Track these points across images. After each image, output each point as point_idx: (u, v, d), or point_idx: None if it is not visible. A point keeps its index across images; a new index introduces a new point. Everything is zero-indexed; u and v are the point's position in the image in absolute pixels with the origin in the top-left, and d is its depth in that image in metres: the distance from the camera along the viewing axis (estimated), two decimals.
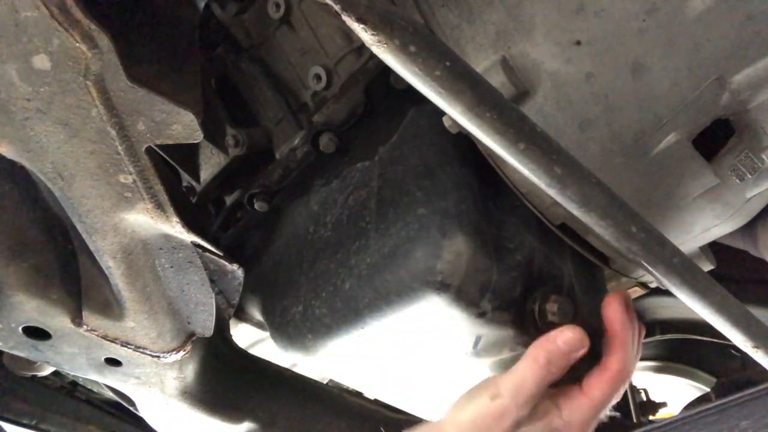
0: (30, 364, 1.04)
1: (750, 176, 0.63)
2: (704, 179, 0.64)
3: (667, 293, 0.64)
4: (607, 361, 0.67)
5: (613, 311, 0.68)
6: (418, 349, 0.76)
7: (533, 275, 0.70)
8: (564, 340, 0.64)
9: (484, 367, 0.77)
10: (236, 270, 0.77)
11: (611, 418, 1.73)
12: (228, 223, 1.01)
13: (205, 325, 0.78)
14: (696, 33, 0.56)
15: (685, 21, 0.56)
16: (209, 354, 0.92)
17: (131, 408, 1.01)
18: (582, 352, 0.64)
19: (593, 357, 0.68)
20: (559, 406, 0.66)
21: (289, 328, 0.79)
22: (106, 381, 0.84)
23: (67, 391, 1.30)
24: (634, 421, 1.72)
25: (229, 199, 0.99)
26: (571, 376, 0.68)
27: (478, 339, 0.71)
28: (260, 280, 0.89)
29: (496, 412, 0.63)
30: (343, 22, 0.43)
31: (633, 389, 1.79)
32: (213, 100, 0.90)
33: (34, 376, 1.14)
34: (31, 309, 0.69)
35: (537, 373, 0.63)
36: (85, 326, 0.71)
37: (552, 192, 0.53)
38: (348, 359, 0.79)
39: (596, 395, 0.65)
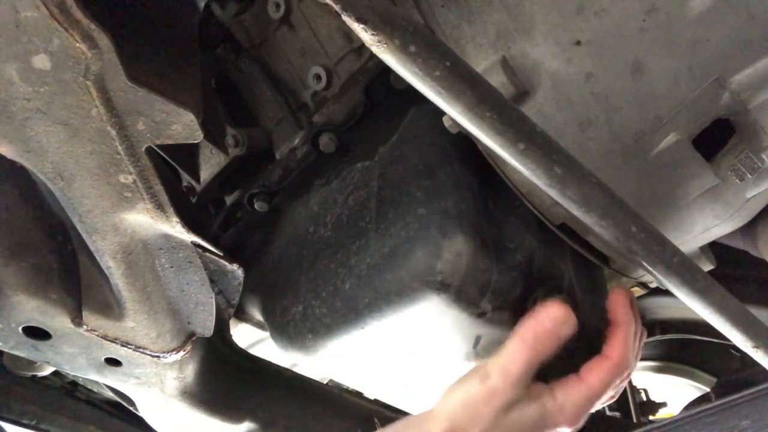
0: (30, 364, 1.04)
1: (750, 176, 0.63)
2: (704, 179, 0.64)
3: (667, 293, 0.64)
4: (606, 350, 0.67)
5: (618, 303, 0.69)
6: (418, 349, 0.76)
7: (533, 275, 0.70)
8: (549, 317, 0.64)
9: None
10: (236, 270, 0.77)
11: (611, 418, 1.74)
12: (228, 223, 1.01)
13: (205, 325, 0.78)
14: (696, 33, 0.56)
15: (685, 21, 0.56)
16: (209, 354, 0.92)
17: (131, 408, 1.01)
18: (568, 329, 0.64)
19: (593, 354, 0.68)
20: (553, 389, 0.65)
21: (289, 328, 0.79)
22: (106, 381, 0.84)
23: (67, 391, 1.30)
24: (634, 421, 1.72)
25: (229, 199, 0.99)
26: (569, 371, 0.67)
27: (478, 339, 0.71)
28: (260, 280, 0.89)
29: (485, 393, 0.62)
30: (343, 22, 0.43)
31: (633, 389, 1.80)
32: (213, 100, 0.90)
33: (34, 376, 1.14)
34: (31, 309, 0.69)
35: (525, 353, 0.63)
36: (85, 326, 0.71)
37: (552, 192, 0.53)
38: (348, 359, 0.79)
39: (592, 381, 0.65)
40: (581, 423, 0.67)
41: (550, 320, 0.64)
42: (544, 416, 0.64)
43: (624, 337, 0.67)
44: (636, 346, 0.71)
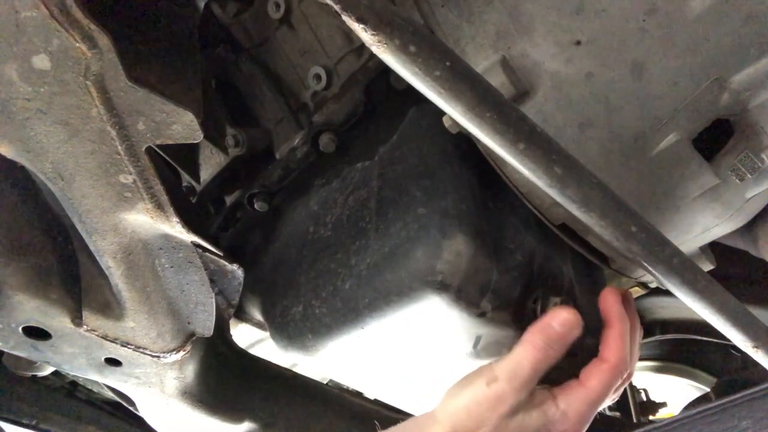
0: (30, 364, 1.04)
1: (750, 176, 0.63)
2: (704, 179, 0.64)
3: (667, 293, 0.64)
4: (603, 353, 0.66)
5: (609, 304, 0.68)
6: (418, 349, 0.76)
7: (533, 275, 0.70)
8: (559, 321, 0.63)
9: None
10: (236, 270, 0.77)
11: (611, 418, 1.74)
12: (228, 223, 1.01)
13: (205, 325, 0.78)
14: (696, 33, 0.56)
15: (685, 21, 0.56)
16: (209, 354, 0.92)
17: (131, 408, 1.01)
18: (577, 333, 0.64)
19: (592, 355, 0.68)
20: (556, 395, 0.65)
21: (289, 328, 0.79)
22: (106, 381, 0.84)
23: (67, 391, 1.30)
24: (634, 421, 1.73)
25: (229, 199, 0.99)
26: (570, 374, 0.67)
27: (478, 339, 0.71)
28: (260, 280, 0.89)
29: (492, 396, 0.62)
30: (343, 22, 0.43)
31: (633, 389, 1.80)
32: (213, 100, 0.90)
33: (34, 376, 1.14)
34: (31, 309, 0.69)
35: (533, 357, 0.62)
36: (85, 326, 0.71)
37: (552, 192, 0.53)
38: (348, 359, 0.79)
39: (593, 385, 0.65)
40: (584, 428, 0.66)
41: (559, 324, 0.63)
42: (547, 423, 0.63)
43: (618, 337, 0.66)
44: (633, 344, 0.70)
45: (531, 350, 0.63)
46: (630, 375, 0.69)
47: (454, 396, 0.65)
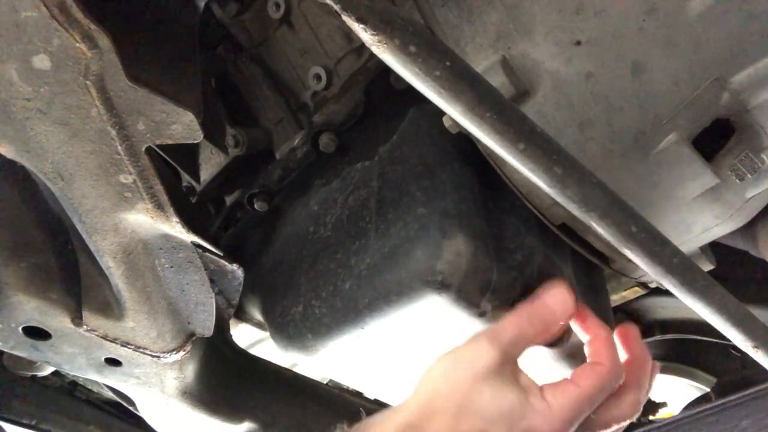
0: (30, 364, 1.04)
1: (750, 176, 0.63)
2: (704, 179, 0.64)
3: (667, 293, 0.64)
4: (597, 358, 0.65)
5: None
6: (418, 349, 0.76)
7: (533, 275, 0.70)
8: (548, 293, 0.64)
9: None
10: (236, 270, 0.77)
11: None
12: (228, 223, 1.01)
13: (205, 325, 0.78)
14: (696, 33, 0.56)
15: (685, 21, 0.56)
16: (209, 354, 0.92)
17: (131, 408, 1.01)
18: (567, 312, 0.64)
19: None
20: (543, 388, 0.62)
21: (289, 328, 0.79)
22: (106, 381, 0.84)
23: (67, 391, 1.30)
24: (634, 421, 1.72)
25: (229, 199, 0.99)
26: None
27: None
28: (260, 280, 0.89)
29: (470, 351, 0.61)
30: (343, 22, 0.43)
31: None
32: (213, 100, 0.90)
33: (34, 376, 1.14)
34: (31, 309, 0.69)
35: (517, 322, 0.62)
36: (85, 326, 0.71)
37: (552, 192, 0.53)
38: (348, 359, 0.79)
39: (583, 384, 0.61)
40: (569, 430, 0.61)
41: (548, 296, 0.64)
42: (524, 409, 0.59)
43: (606, 342, 0.66)
44: (646, 376, 0.69)
45: (515, 317, 0.63)
46: (638, 408, 0.68)
47: (435, 364, 0.63)
